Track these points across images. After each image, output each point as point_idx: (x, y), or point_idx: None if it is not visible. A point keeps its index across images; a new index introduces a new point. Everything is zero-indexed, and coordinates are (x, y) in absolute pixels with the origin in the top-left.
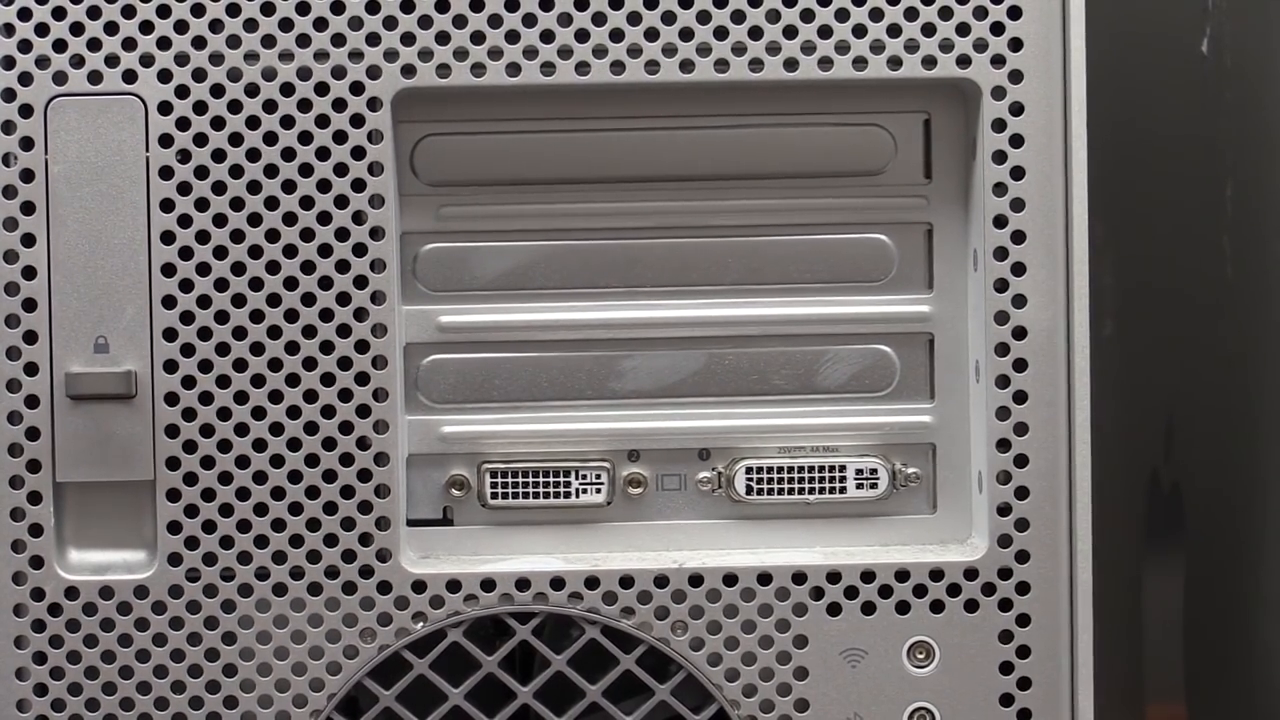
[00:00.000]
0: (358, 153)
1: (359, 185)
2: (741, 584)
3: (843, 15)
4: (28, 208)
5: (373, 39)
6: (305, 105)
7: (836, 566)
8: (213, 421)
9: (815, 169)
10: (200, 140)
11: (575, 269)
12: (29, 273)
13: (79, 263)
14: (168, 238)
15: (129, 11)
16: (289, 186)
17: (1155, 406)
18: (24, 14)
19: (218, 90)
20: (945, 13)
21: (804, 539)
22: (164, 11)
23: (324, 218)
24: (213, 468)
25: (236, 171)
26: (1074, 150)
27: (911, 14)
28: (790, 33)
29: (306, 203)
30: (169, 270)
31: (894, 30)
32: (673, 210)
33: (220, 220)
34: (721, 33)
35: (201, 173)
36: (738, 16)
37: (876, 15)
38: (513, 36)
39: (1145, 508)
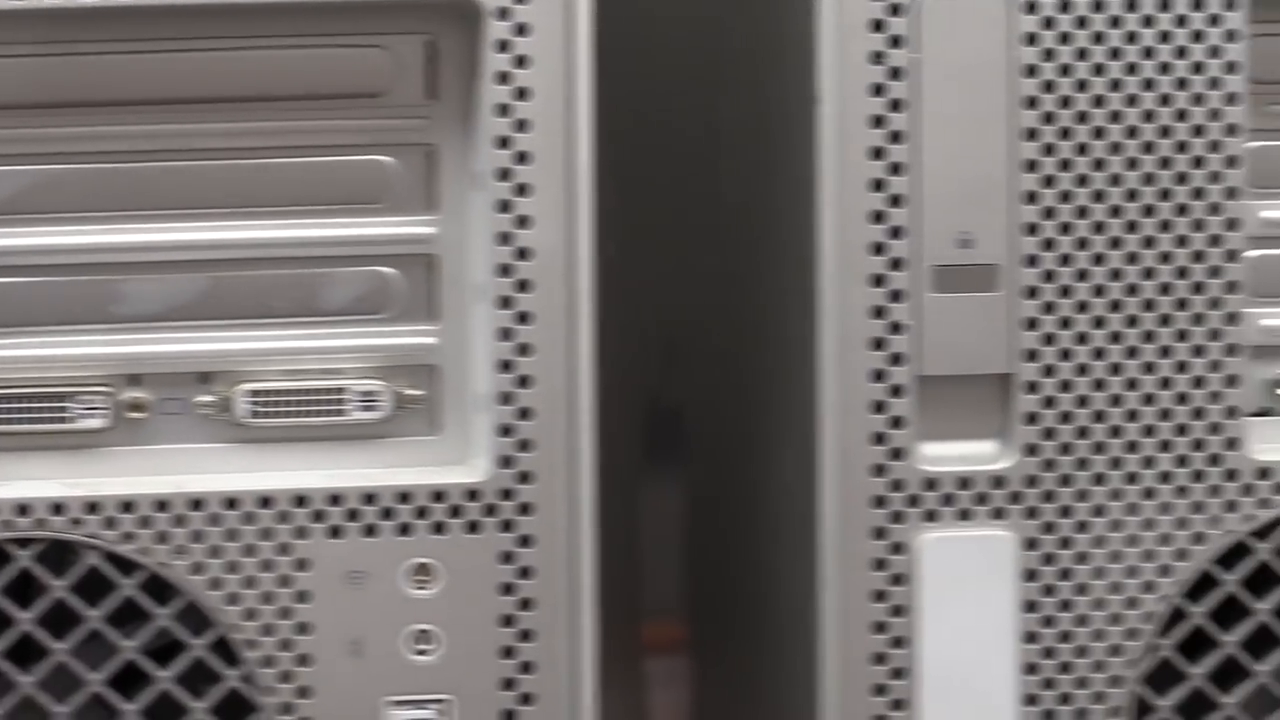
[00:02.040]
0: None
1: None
2: (243, 508)
3: None
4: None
5: None
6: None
7: (338, 489)
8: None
9: (315, 90)
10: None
11: (74, 193)
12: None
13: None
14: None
15: None
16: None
17: (657, 328)
18: None
19: None
20: None
21: (307, 462)
22: None
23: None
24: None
25: (1099, 70)
26: (579, 72)
27: None
28: None
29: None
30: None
31: None
32: (174, 133)
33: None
34: None
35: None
36: None
37: None
38: None
39: (647, 429)
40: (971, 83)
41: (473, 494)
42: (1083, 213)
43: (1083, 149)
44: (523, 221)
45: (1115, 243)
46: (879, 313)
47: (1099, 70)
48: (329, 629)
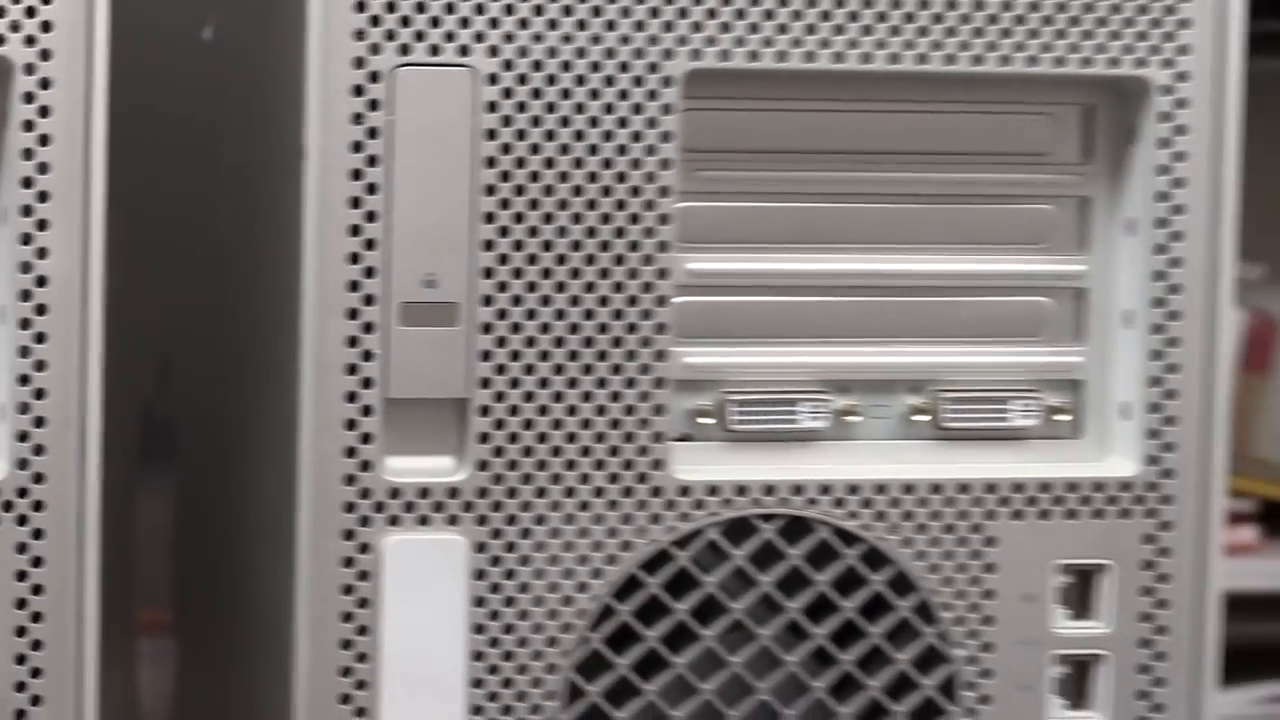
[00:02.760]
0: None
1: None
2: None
3: None
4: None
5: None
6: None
7: None
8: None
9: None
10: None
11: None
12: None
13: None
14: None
15: None
16: (593, 150)
17: (154, 347)
18: None
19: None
20: None
21: None
22: None
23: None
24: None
25: (550, 135)
26: (95, 122)
27: None
28: None
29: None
30: (489, 218)
31: None
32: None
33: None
34: None
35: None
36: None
37: None
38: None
39: (140, 436)
40: (438, 143)
41: None
42: (533, 260)
43: (534, 204)
44: (42, 253)
45: (560, 287)
46: (353, 342)
47: (550, 136)
48: None
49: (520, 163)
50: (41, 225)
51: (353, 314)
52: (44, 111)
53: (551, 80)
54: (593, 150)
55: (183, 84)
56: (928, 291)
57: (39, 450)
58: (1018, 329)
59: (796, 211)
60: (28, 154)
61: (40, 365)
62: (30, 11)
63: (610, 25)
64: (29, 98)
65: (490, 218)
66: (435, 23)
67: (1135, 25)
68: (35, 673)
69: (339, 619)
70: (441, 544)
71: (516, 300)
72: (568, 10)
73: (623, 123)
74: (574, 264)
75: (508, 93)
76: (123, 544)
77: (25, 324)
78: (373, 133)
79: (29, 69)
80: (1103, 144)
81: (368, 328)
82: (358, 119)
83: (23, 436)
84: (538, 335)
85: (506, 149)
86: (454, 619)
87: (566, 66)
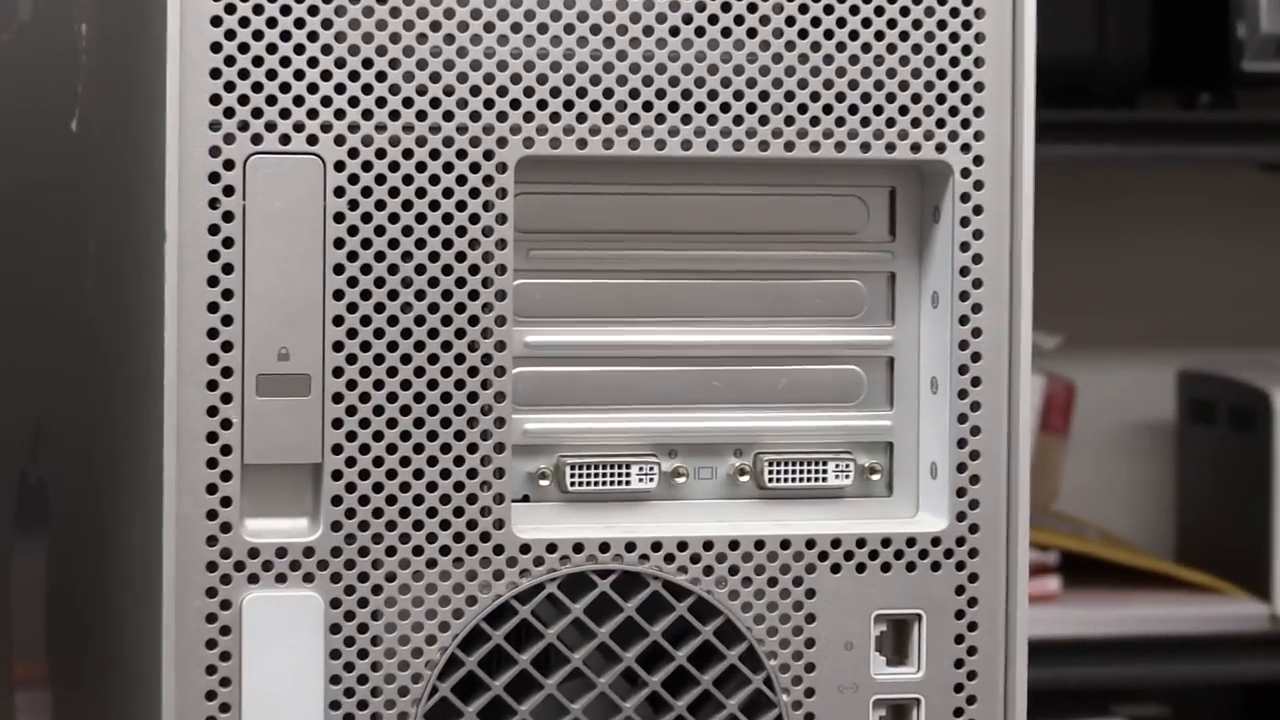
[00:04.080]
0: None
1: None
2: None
3: None
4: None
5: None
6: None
7: None
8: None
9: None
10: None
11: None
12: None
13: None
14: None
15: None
16: (434, 231)
17: (28, 412)
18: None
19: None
20: None
21: None
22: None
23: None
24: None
25: (394, 218)
26: None
27: None
28: None
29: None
30: (338, 295)
31: None
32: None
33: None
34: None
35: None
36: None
37: None
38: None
39: (16, 498)
40: (289, 225)
41: None
42: (379, 334)
43: (380, 282)
44: None
45: (405, 359)
46: (212, 411)
47: (394, 218)
48: None
49: (366, 243)
50: None
51: (212, 385)
52: None
53: (394, 167)
54: (434, 231)
55: (50, 172)
56: (748, 361)
57: None
58: (832, 395)
59: (626, 287)
60: None
61: None
62: None
63: (448, 115)
64: None
65: (339, 295)
66: (285, 114)
67: (934, 113)
68: None
69: (203, 671)
70: (298, 600)
71: (364, 371)
72: (408, 102)
73: (461, 206)
74: (418, 337)
75: (353, 179)
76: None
77: None
78: (228, 216)
79: None
80: (907, 223)
81: (226, 398)
82: (214, 204)
83: None
84: (385, 404)
85: (353, 231)
86: (311, 671)
87: (408, 154)
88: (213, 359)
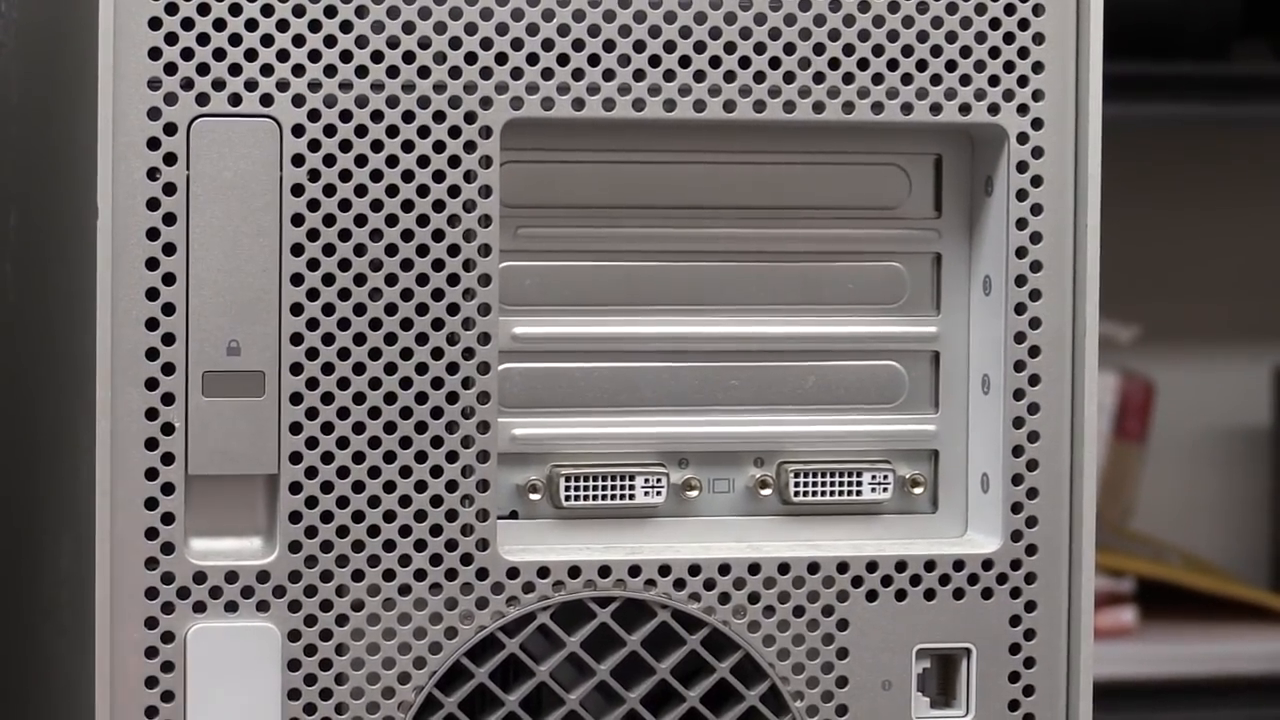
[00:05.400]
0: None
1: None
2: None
3: None
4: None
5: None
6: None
7: None
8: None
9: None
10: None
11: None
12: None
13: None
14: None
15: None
16: (407, 205)
17: None
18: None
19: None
20: None
21: None
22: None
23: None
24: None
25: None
26: None
27: None
28: None
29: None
30: (297, 280)
31: None
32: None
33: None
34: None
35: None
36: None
37: None
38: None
39: None
40: (240, 199)
41: None
42: (344, 324)
43: (344, 264)
44: None
45: (374, 353)
46: (151, 414)
47: (361, 191)
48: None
49: (329, 220)
50: None
51: (151, 384)
52: None
53: (361, 131)
54: (407, 206)
55: None
56: (771, 356)
57: None
58: (868, 395)
59: (629, 270)
60: None
61: None
62: None
63: (424, 71)
64: None
65: (297, 279)
66: (235, 70)
67: (986, 69)
68: None
69: (142, 714)
70: (251, 632)
71: (327, 368)
72: (377, 56)
73: (439, 176)
74: (389, 328)
75: (314, 145)
76: None
77: None
78: (169, 189)
79: None
80: (955, 196)
81: (167, 399)
82: (153, 174)
83: None
84: (351, 405)
85: (314, 205)
86: (266, 713)
87: (377, 116)
88: (152, 354)
